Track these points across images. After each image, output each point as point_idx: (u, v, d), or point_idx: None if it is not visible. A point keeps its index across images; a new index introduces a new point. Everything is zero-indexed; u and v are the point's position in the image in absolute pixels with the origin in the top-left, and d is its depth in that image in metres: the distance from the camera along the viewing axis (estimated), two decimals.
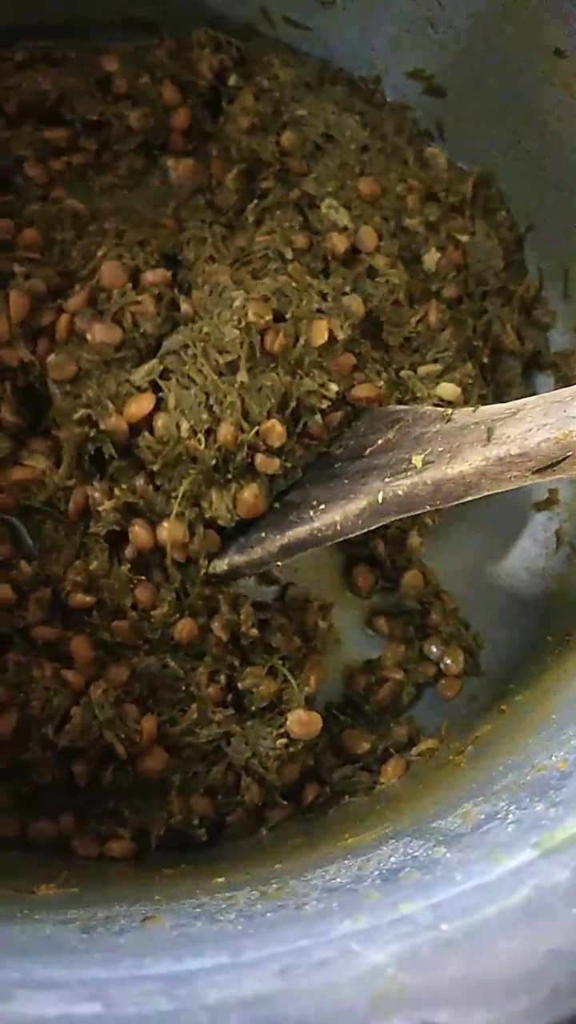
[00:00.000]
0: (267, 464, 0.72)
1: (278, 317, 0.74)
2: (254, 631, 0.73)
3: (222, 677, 0.72)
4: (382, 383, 0.77)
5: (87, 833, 0.67)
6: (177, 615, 0.72)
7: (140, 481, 0.72)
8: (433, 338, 0.82)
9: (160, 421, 0.70)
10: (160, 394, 0.71)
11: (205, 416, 0.70)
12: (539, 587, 0.81)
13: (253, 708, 0.72)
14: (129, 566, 0.71)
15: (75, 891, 0.47)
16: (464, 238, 0.86)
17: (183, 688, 0.71)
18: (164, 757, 0.68)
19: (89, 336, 0.71)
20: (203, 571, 0.72)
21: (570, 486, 0.85)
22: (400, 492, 0.57)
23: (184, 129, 0.83)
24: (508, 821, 0.39)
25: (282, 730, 0.70)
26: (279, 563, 0.71)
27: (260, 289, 0.74)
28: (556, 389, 0.61)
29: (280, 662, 0.73)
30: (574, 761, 0.42)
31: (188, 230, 0.80)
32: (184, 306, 0.74)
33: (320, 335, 0.74)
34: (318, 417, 0.77)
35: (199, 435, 0.70)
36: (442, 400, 0.79)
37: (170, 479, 0.71)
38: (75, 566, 0.71)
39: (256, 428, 0.71)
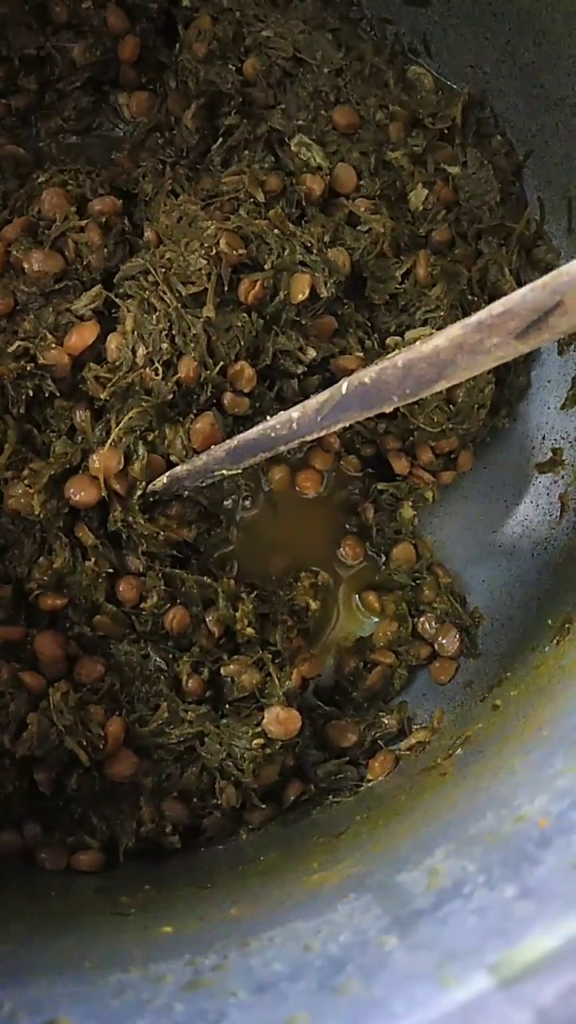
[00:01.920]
0: (236, 403, 0.66)
1: (256, 266, 0.67)
2: (251, 630, 0.67)
3: (206, 670, 0.67)
4: (362, 353, 0.71)
5: (53, 844, 0.63)
6: (168, 604, 0.66)
7: (80, 413, 0.65)
8: (422, 295, 0.74)
9: (113, 343, 0.64)
10: (114, 313, 0.65)
11: (166, 346, 0.64)
12: (542, 559, 0.74)
13: (231, 699, 0.67)
14: (94, 560, 0.65)
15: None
16: (455, 170, 0.78)
17: (161, 680, 0.66)
18: (133, 761, 0.64)
19: (26, 266, 0.64)
20: (138, 493, 0.64)
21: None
22: (367, 380, 0.49)
23: (133, 60, 0.74)
24: (471, 906, 0.33)
25: (258, 729, 0.64)
26: (226, 472, 0.62)
27: (236, 221, 0.67)
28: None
29: (270, 657, 0.68)
30: (556, 817, 0.37)
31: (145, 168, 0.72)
32: (148, 233, 0.67)
33: (301, 290, 0.68)
34: (294, 383, 0.70)
35: (157, 365, 0.63)
36: None
37: (118, 411, 0.64)
38: (40, 564, 0.65)
39: (221, 365, 0.65)
